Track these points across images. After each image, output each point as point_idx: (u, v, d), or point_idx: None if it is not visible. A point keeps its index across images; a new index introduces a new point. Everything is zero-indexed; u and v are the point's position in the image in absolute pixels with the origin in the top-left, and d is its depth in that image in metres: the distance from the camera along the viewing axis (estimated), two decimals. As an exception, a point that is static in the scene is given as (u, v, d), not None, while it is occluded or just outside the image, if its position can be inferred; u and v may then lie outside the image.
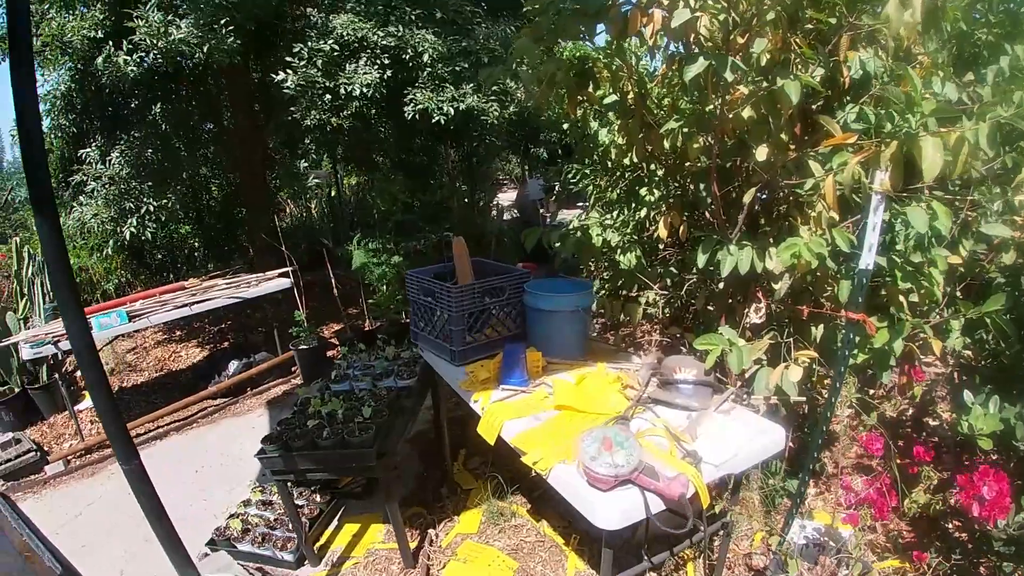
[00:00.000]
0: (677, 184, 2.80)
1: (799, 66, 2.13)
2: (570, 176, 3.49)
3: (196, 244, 7.72)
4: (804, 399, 2.32)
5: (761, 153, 2.08)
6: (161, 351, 6.24)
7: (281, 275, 5.30)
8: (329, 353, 5.46)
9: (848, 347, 2.01)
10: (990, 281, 2.42)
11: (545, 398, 2.20)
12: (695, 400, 2.09)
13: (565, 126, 3.28)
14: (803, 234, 2.05)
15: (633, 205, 2.98)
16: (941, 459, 2.44)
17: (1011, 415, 2.10)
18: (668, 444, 1.87)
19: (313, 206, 10.52)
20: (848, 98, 2.23)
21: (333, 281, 5.52)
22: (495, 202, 8.17)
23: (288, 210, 10.18)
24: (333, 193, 9.73)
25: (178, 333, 6.68)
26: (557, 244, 2.61)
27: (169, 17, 3.95)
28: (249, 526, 2.96)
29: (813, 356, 2.13)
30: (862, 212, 2.19)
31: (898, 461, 2.38)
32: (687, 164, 2.53)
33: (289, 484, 2.93)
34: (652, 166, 2.93)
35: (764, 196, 2.49)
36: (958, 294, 2.30)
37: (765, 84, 2.03)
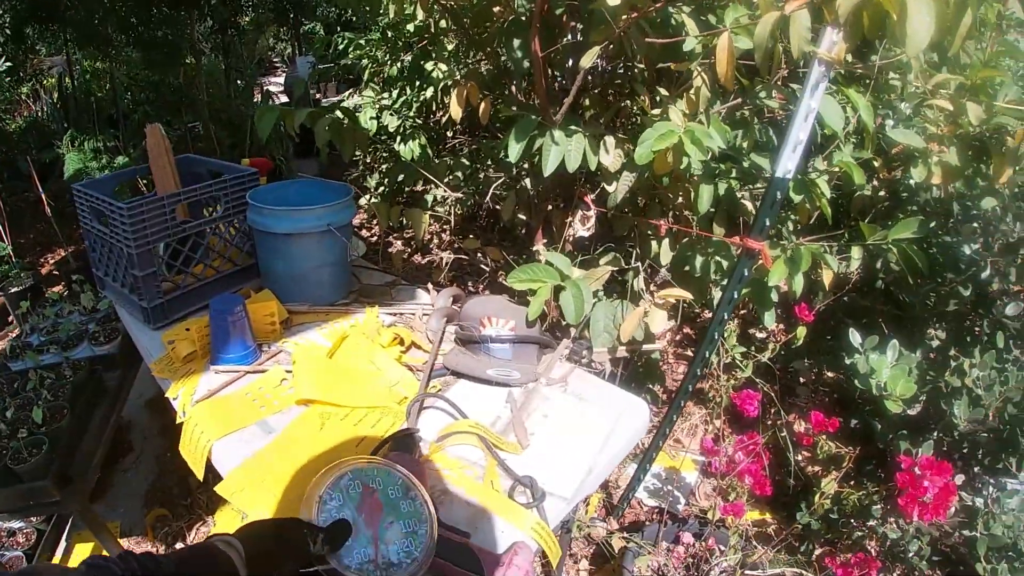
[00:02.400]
0: (478, 51, 1.99)
1: None
2: (341, 48, 2.58)
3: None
4: (661, 347, 1.70)
5: (612, -2, 1.29)
6: None
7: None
8: (55, 289, 4.13)
9: (737, 285, 1.38)
10: (880, 200, 1.92)
11: (282, 381, 1.37)
12: (516, 368, 1.36)
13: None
14: (674, 118, 1.33)
15: (418, 83, 2.27)
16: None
17: (911, 364, 1.62)
18: (485, 463, 1.14)
19: (51, 100, 8.32)
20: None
21: (44, 197, 4.11)
22: (262, 86, 6.80)
23: (21, 111, 8.00)
24: (68, 84, 7.68)
25: None
26: (309, 127, 1.67)
27: None
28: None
29: (685, 296, 1.48)
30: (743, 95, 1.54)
31: (783, 423, 1.88)
32: (495, 11, 1.69)
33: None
34: (444, 23, 2.09)
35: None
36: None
37: None
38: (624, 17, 1.31)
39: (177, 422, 1.33)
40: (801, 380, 2.47)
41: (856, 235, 1.58)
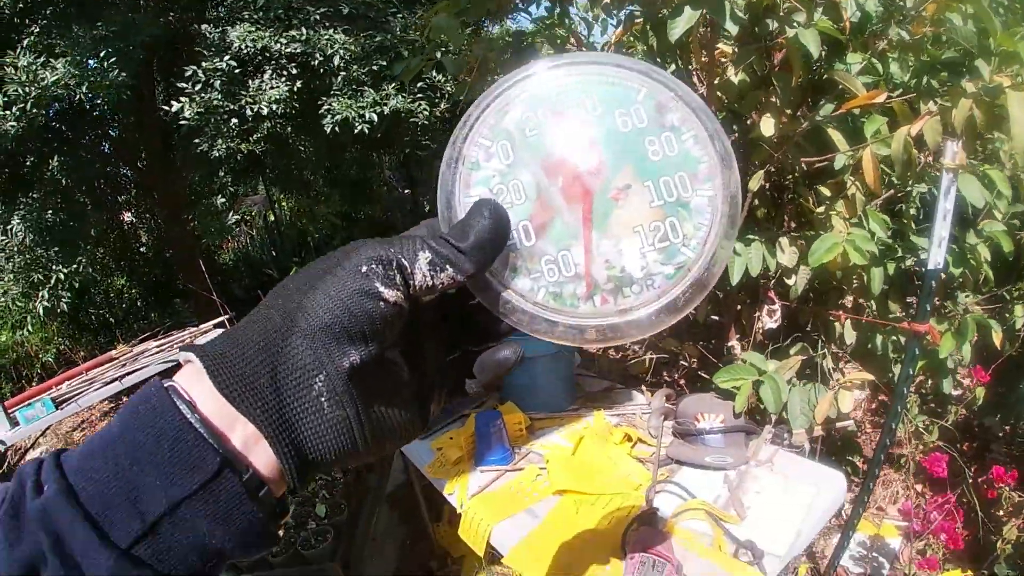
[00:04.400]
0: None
1: (788, 12, 1.66)
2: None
3: (136, 295, 7.01)
4: (851, 423, 1.88)
5: (767, 126, 1.60)
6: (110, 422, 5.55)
7: (217, 326, 4.69)
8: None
9: (912, 363, 1.56)
10: None
11: (537, 477, 1.71)
12: (729, 455, 1.62)
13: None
14: (836, 224, 1.59)
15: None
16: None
17: None
18: (712, 532, 1.40)
19: (255, 234, 9.81)
20: (849, 49, 1.77)
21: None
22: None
23: (229, 243, 9.50)
24: (271, 219, 9.04)
25: (124, 400, 5.98)
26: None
27: (42, 58, 3.30)
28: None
29: (867, 378, 1.68)
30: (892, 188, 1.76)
31: (972, 480, 1.96)
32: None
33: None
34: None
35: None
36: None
37: (761, 38, 1.56)
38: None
39: (457, 512, 1.71)
40: (999, 435, 2.46)
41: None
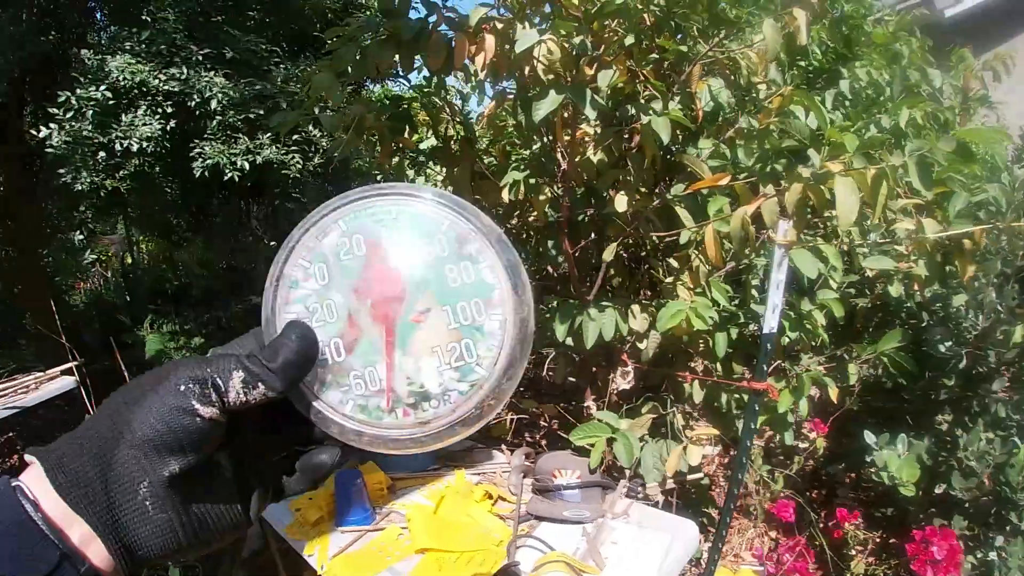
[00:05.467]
0: (518, 243, 2.43)
1: (647, 100, 1.85)
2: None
3: (-27, 331, 6.22)
4: (701, 475, 2.02)
5: (621, 203, 1.75)
6: (-59, 472, 4.81)
7: (65, 372, 4.26)
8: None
9: (753, 418, 1.72)
10: (870, 316, 2.30)
11: (399, 536, 1.69)
12: (586, 508, 1.69)
13: (379, 177, 2.79)
14: (681, 293, 1.74)
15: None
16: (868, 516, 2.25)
17: (921, 451, 1.93)
18: (571, 585, 1.45)
19: (110, 275, 9.08)
20: (703, 134, 1.99)
21: (127, 376, 4.56)
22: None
23: (82, 284, 8.73)
24: (128, 261, 8.42)
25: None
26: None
27: None
28: None
29: (713, 433, 1.82)
30: (735, 260, 1.96)
31: (822, 524, 2.15)
32: (532, 218, 2.16)
33: None
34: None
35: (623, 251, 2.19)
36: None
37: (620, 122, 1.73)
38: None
39: (318, 574, 1.65)
40: (845, 481, 2.73)
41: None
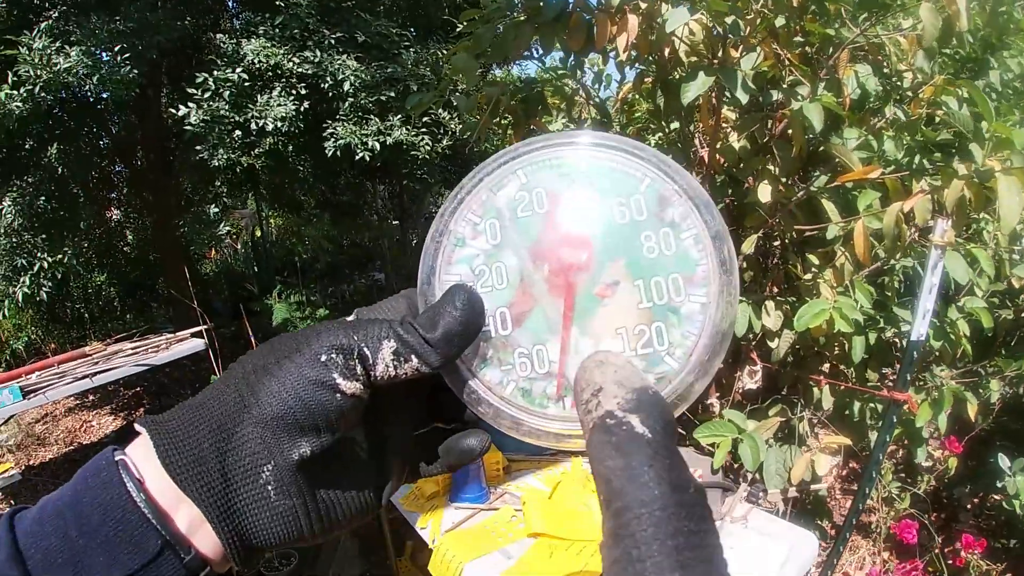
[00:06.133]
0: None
1: (791, 85, 1.73)
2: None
3: (114, 294, 6.91)
4: (826, 486, 1.91)
5: (764, 193, 1.66)
6: (72, 420, 5.41)
7: (195, 335, 4.61)
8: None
9: (889, 431, 1.60)
10: (1012, 330, 2.08)
11: (512, 518, 1.70)
12: (704, 510, 1.63)
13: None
14: (824, 292, 1.63)
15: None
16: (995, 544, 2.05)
17: None
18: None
19: (240, 247, 9.74)
20: (845, 124, 1.85)
21: (253, 342, 4.88)
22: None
23: (213, 254, 9.41)
24: (258, 234, 9.00)
25: (91, 398, 5.84)
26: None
27: (57, 44, 3.32)
28: None
29: (844, 442, 1.71)
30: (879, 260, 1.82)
31: (938, 550, 1.98)
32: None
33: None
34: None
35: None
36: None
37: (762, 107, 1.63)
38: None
39: (429, 546, 1.69)
40: (968, 506, 2.50)
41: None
